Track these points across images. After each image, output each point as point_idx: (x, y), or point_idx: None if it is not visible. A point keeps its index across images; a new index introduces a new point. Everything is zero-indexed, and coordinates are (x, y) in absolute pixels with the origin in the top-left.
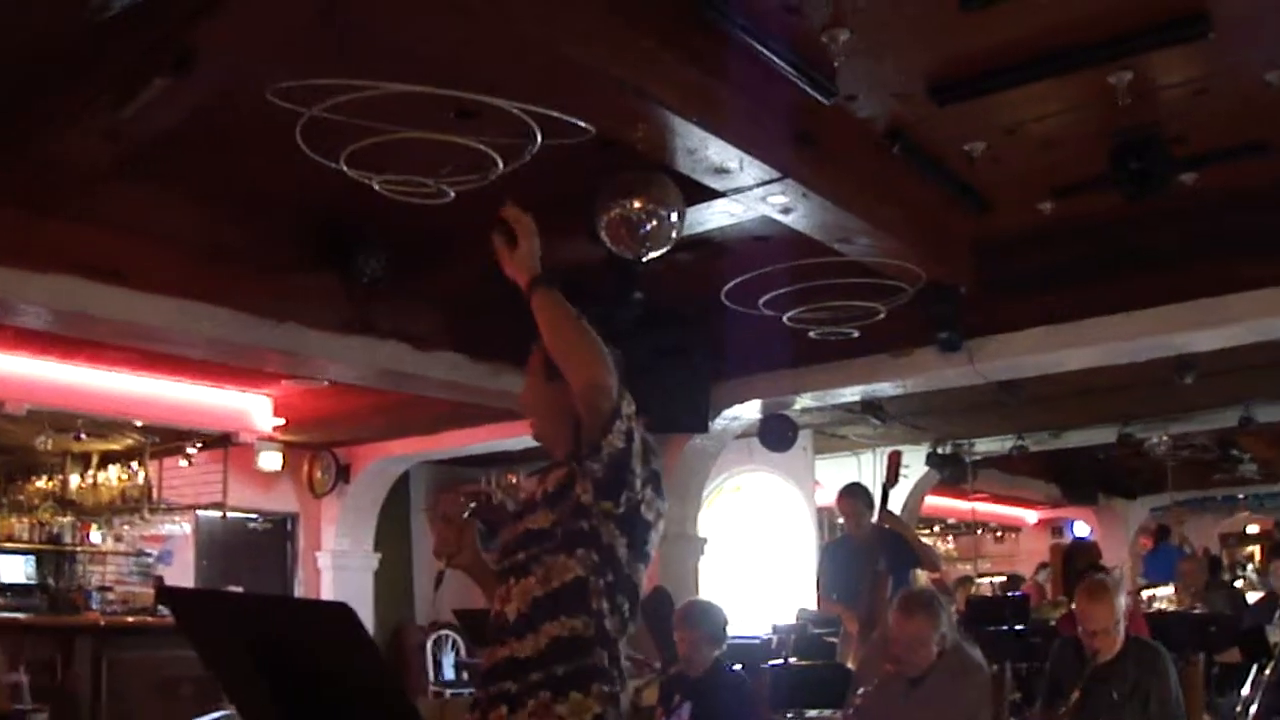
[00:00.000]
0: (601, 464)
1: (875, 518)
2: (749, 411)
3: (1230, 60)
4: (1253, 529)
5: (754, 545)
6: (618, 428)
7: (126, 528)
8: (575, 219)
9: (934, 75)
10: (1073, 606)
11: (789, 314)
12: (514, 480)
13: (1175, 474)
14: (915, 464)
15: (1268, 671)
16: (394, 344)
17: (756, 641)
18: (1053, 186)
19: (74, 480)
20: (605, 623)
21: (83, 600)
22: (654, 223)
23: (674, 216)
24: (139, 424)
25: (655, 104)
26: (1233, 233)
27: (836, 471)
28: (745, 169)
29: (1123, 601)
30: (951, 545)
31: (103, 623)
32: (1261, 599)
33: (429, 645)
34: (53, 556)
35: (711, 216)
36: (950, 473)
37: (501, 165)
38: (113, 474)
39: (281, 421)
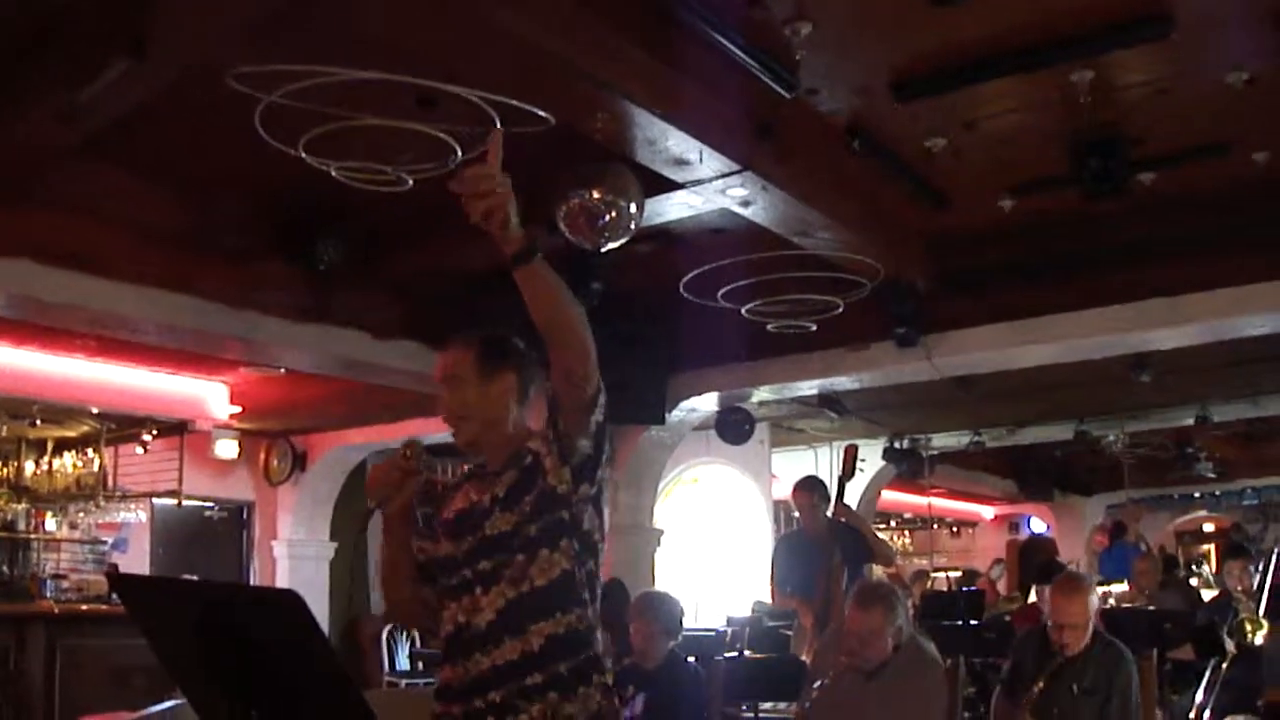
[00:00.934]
0: (590, 441)
1: (831, 511)
2: (706, 404)
3: (1191, 61)
4: (1208, 527)
5: (710, 537)
6: (600, 402)
7: (81, 515)
8: (533, 208)
9: (896, 71)
10: (1030, 600)
11: (747, 307)
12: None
13: (1132, 472)
14: (872, 458)
15: (1223, 668)
16: (351, 332)
17: (711, 634)
18: (1012, 184)
19: (29, 467)
20: (590, 611)
21: (36, 588)
22: (613, 213)
23: (633, 207)
24: (95, 410)
25: (615, 94)
26: (1190, 233)
27: (793, 465)
28: (705, 161)
29: (1095, 599)
30: (908, 540)
31: (56, 611)
32: (1215, 597)
33: (384, 636)
34: (6, 544)
35: (671, 208)
36: (907, 467)
37: (460, 153)
38: (68, 461)
39: (238, 409)
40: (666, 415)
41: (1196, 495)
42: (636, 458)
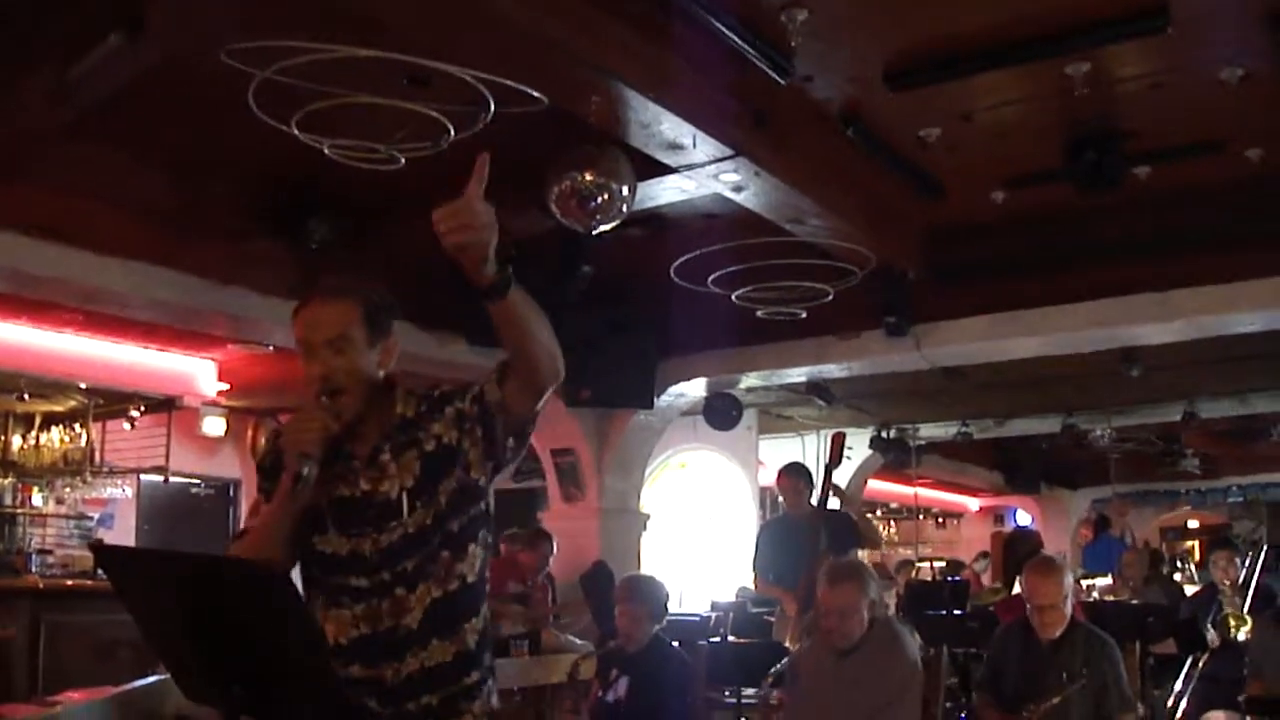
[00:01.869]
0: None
1: (817, 496)
2: (695, 389)
3: (1187, 56)
4: (1193, 524)
5: (697, 523)
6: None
7: (68, 490)
8: (526, 190)
9: (892, 60)
10: (1013, 592)
11: (737, 293)
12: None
13: (1118, 466)
14: (859, 447)
15: (1201, 664)
16: None
17: (695, 619)
18: (1006, 176)
19: (16, 441)
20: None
21: (22, 563)
22: (604, 196)
23: (625, 190)
24: (83, 386)
25: (610, 77)
26: (1183, 229)
27: (781, 452)
28: (698, 145)
29: (1069, 580)
30: (894, 530)
31: (41, 585)
32: (1199, 591)
33: None
34: None
35: (663, 192)
36: (894, 457)
37: (453, 133)
38: (55, 436)
39: (226, 386)
40: (655, 400)
41: (1182, 491)
42: (624, 442)
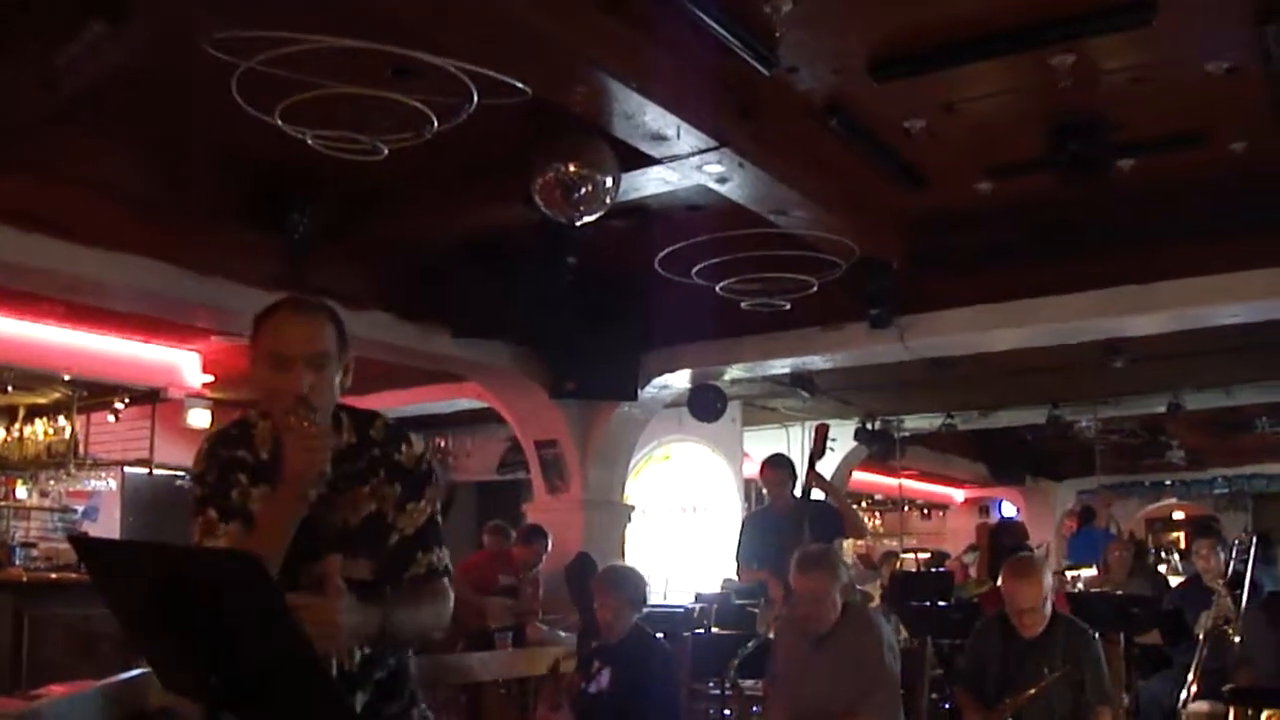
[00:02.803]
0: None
1: (803, 479)
2: (679, 381)
3: (1171, 49)
4: (1178, 515)
5: (681, 515)
6: None
7: (52, 483)
8: (509, 181)
9: (875, 50)
10: (997, 584)
11: (721, 284)
12: None
13: (1103, 458)
14: (844, 439)
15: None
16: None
17: (680, 610)
18: (990, 166)
19: None
20: None
21: (5, 556)
22: (588, 187)
23: (609, 181)
24: (66, 377)
25: (594, 67)
26: (1167, 220)
27: (765, 443)
28: (682, 136)
29: (1049, 579)
30: (879, 521)
31: (25, 579)
32: (1184, 582)
33: None
34: None
35: (647, 183)
36: (879, 448)
37: (437, 124)
38: (39, 428)
39: (210, 378)
40: (639, 392)
41: (1167, 483)
42: (608, 434)
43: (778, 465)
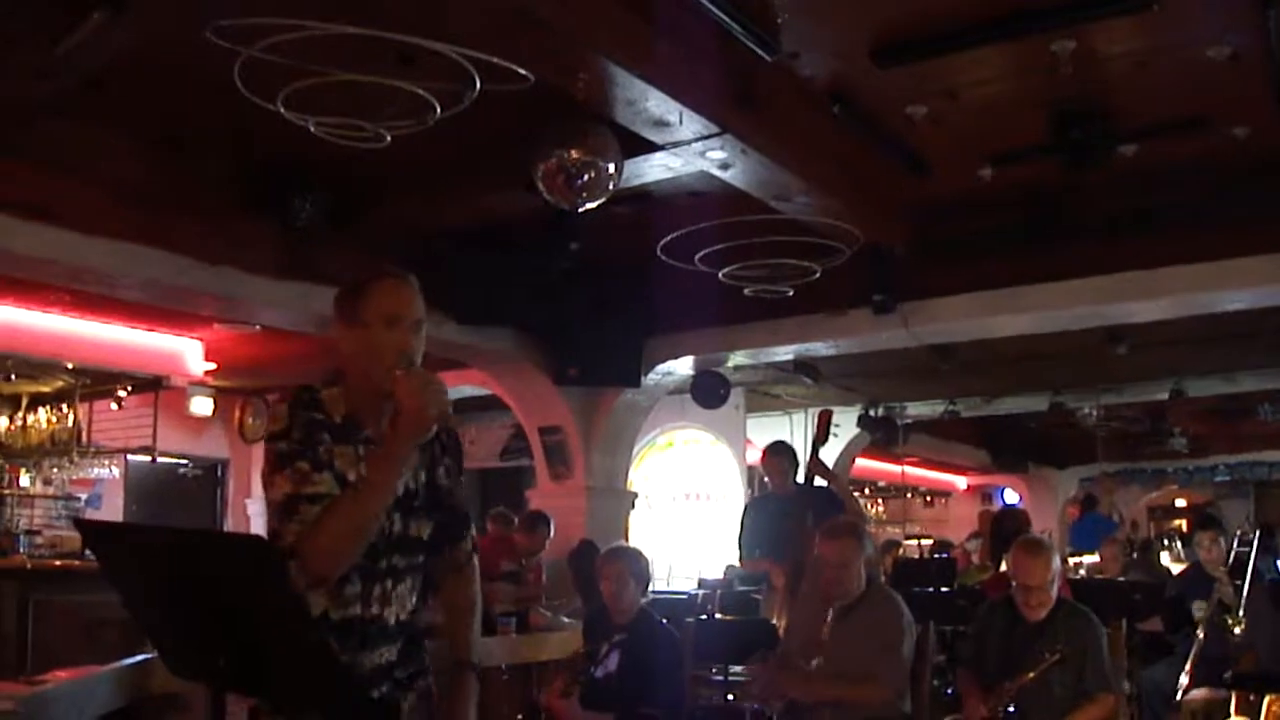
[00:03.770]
0: None
1: (805, 466)
2: (682, 367)
3: (1174, 34)
4: (1180, 503)
5: (684, 501)
6: None
7: (55, 471)
8: (512, 167)
9: (877, 36)
10: (1000, 570)
11: (724, 271)
12: None
13: (1105, 445)
14: (847, 425)
15: (1201, 641)
16: (327, 289)
17: (683, 596)
18: (993, 153)
19: (2, 422)
20: None
21: (10, 543)
22: (591, 173)
23: (611, 168)
24: (69, 366)
25: (596, 54)
26: (1169, 206)
27: (768, 430)
28: (685, 123)
29: (1057, 563)
30: (881, 508)
31: (29, 566)
32: (1185, 570)
33: None
34: None
35: (649, 169)
36: (881, 435)
37: (440, 111)
38: (42, 416)
39: (213, 366)
40: (642, 378)
41: (1169, 470)
42: (611, 420)
43: (779, 452)
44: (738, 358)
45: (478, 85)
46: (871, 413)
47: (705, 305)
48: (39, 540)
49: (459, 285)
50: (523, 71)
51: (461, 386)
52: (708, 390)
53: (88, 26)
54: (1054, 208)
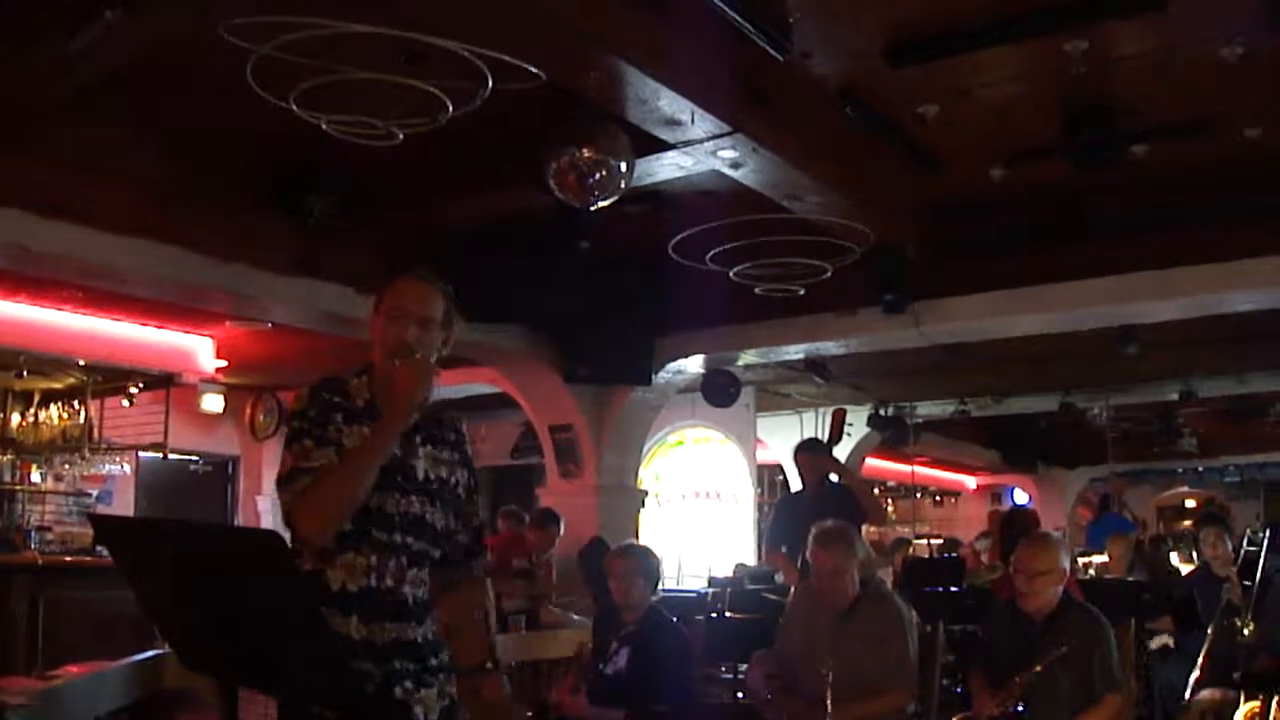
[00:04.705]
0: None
1: (820, 465)
2: (692, 366)
3: (1186, 34)
4: (1190, 503)
5: (694, 500)
6: None
7: (67, 467)
8: (524, 166)
9: (890, 36)
10: (1010, 570)
11: (735, 270)
12: None
13: (1115, 445)
14: (857, 425)
15: (1209, 642)
16: (339, 287)
17: (693, 595)
18: (1004, 153)
19: (14, 419)
20: None
21: (21, 540)
22: (603, 172)
23: (623, 166)
24: (81, 362)
25: (608, 52)
26: (1181, 207)
27: (778, 429)
28: (696, 122)
29: (1065, 560)
30: (891, 508)
31: (40, 562)
32: (1194, 570)
33: None
34: None
35: (661, 168)
36: (892, 434)
37: (452, 109)
38: (54, 413)
39: (224, 363)
40: (653, 377)
41: (1179, 471)
42: (622, 419)
43: (812, 450)
44: (748, 356)
45: (490, 84)
46: (882, 412)
47: (716, 304)
48: (50, 536)
49: (470, 283)
50: (535, 70)
51: (471, 385)
52: (718, 389)
53: (99, 25)
54: (1065, 208)
